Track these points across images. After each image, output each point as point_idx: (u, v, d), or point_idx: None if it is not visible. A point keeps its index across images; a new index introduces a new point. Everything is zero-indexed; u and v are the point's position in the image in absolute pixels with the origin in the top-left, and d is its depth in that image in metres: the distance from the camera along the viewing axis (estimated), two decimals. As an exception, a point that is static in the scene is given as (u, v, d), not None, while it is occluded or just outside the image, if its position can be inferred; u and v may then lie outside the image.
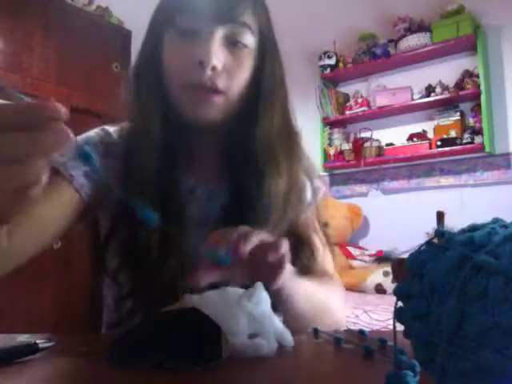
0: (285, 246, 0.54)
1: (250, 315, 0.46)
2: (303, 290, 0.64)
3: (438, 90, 2.97)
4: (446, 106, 3.01)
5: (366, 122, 3.34)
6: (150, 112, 0.70)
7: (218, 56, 0.66)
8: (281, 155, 0.72)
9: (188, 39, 0.67)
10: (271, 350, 0.44)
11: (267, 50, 0.72)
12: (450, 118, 2.96)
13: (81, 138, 0.73)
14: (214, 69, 0.65)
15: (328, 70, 3.40)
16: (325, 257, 0.81)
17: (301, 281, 0.64)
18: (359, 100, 3.32)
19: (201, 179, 0.75)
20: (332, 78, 3.47)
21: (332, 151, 3.40)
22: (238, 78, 0.68)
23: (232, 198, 0.73)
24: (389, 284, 2.61)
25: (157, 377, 0.40)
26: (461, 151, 2.88)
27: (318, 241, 0.80)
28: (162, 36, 0.70)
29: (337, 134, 3.45)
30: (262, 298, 0.48)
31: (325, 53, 3.39)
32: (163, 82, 0.69)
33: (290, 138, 0.76)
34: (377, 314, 2.23)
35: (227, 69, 0.67)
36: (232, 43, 0.68)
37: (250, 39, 0.69)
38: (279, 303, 0.59)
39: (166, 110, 0.69)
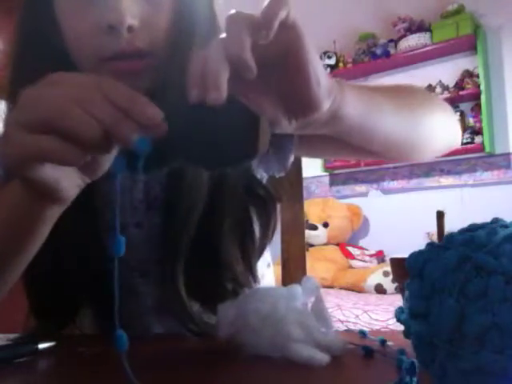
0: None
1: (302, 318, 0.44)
2: (375, 98, 0.47)
3: (438, 89, 2.97)
4: (445, 105, 3.01)
5: (366, 122, 3.34)
6: None
7: (132, 10, 0.49)
8: None
9: None
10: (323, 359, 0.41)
11: None
12: (450, 118, 2.96)
13: None
14: (130, 29, 0.49)
15: (328, 70, 3.39)
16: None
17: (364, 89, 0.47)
18: (359, 100, 3.32)
19: None
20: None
21: (332, 151, 3.40)
22: (160, 27, 0.52)
23: (172, 173, 0.59)
24: (389, 284, 2.61)
25: (157, 377, 0.40)
26: (461, 151, 2.88)
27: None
28: (50, 3, 0.53)
29: (337, 134, 3.45)
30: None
31: (325, 53, 3.39)
32: (65, 59, 0.54)
33: None
34: (377, 314, 2.23)
35: (146, 21, 0.50)
36: None
37: None
38: (357, 134, 0.45)
39: None
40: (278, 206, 0.66)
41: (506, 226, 0.29)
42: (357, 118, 0.43)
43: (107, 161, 0.40)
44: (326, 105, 0.38)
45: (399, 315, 0.32)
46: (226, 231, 0.59)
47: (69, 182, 0.41)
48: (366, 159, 0.57)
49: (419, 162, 0.59)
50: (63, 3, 0.52)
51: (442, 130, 0.62)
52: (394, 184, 3.27)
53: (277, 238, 0.87)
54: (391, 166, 3.20)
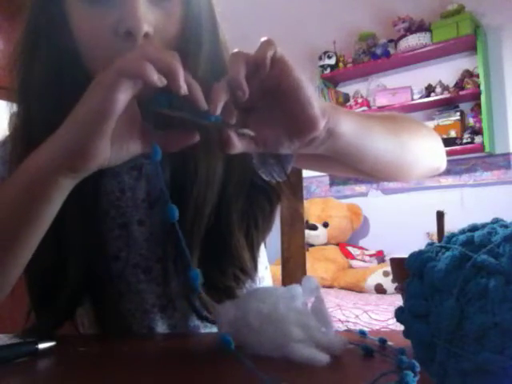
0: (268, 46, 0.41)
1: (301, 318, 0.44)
2: (367, 121, 0.51)
3: (438, 89, 2.97)
4: (445, 105, 3.01)
5: (366, 122, 3.34)
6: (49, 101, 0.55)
7: (148, 18, 0.50)
8: None
9: (99, 3, 0.51)
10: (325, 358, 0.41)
11: None
12: (450, 118, 2.96)
13: None
14: (146, 36, 0.50)
15: (328, 70, 3.39)
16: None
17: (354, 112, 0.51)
18: (359, 100, 3.32)
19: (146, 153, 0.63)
20: (332, 78, 3.47)
21: (332, 151, 3.40)
22: (171, 34, 0.54)
23: (176, 171, 0.61)
24: (389, 284, 2.60)
25: (158, 376, 0.40)
26: (461, 151, 2.88)
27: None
28: (61, 5, 0.54)
29: (337, 134, 3.44)
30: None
31: (325, 53, 3.38)
32: (74, 59, 0.55)
33: None
34: (377, 314, 2.23)
35: (159, 29, 0.52)
36: None
37: None
38: (349, 154, 0.48)
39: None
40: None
41: (506, 225, 0.29)
42: (350, 138, 0.47)
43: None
44: (321, 123, 0.42)
45: (399, 315, 0.32)
46: (234, 222, 0.61)
47: (105, 151, 0.43)
48: (356, 177, 0.59)
49: (406, 183, 0.61)
50: (76, 12, 0.53)
51: (427, 156, 0.67)
52: (394, 184, 3.26)
53: (277, 238, 0.87)
54: (391, 165, 3.20)
